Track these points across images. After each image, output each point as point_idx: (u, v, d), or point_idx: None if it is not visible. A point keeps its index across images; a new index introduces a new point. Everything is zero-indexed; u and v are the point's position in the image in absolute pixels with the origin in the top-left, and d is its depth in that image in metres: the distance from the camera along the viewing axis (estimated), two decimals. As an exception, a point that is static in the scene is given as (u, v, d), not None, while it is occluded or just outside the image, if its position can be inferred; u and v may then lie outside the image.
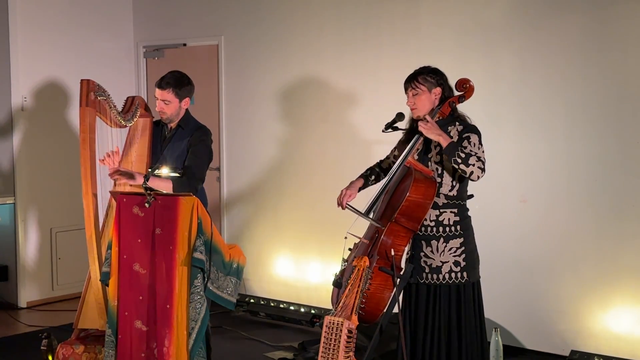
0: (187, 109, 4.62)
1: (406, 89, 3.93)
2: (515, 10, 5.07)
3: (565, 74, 4.91)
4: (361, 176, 4.24)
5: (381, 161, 4.27)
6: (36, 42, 6.50)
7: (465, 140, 3.79)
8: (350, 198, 4.11)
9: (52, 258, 6.60)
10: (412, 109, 3.93)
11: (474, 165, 3.71)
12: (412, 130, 3.97)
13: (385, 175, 4.25)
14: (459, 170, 3.76)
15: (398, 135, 4.14)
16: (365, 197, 4.19)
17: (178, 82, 4.51)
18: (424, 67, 3.94)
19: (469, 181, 3.88)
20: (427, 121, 3.78)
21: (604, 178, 4.80)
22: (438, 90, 3.88)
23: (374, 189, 4.16)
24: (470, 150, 3.76)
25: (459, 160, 3.71)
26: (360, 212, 3.93)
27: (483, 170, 3.74)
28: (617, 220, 4.76)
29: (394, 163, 4.17)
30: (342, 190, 4.14)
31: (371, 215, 3.97)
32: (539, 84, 5.01)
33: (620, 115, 4.73)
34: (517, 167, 5.11)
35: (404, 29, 5.54)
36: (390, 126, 4.03)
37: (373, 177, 4.24)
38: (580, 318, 4.90)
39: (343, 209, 4.10)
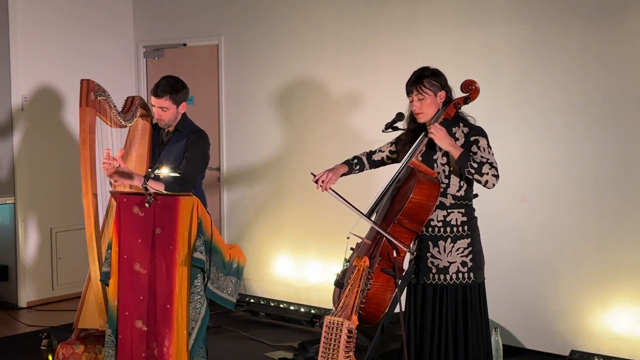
0: (184, 113, 4.63)
1: (409, 93, 3.87)
2: (515, 8, 5.07)
3: (566, 74, 4.91)
4: (346, 162, 4.15)
5: (372, 152, 4.19)
6: (36, 42, 6.50)
7: (474, 145, 3.76)
8: (332, 183, 4.00)
9: (52, 258, 6.60)
10: (417, 114, 3.88)
11: (487, 173, 3.69)
12: (413, 130, 3.95)
13: (372, 168, 4.22)
14: (474, 180, 3.75)
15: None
16: (366, 198, 4.18)
17: (174, 88, 4.53)
18: (425, 69, 3.88)
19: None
20: (439, 128, 3.73)
21: (604, 178, 4.80)
22: (443, 93, 3.84)
23: (375, 190, 4.15)
24: (482, 157, 3.73)
25: (473, 171, 3.69)
26: (342, 198, 3.90)
27: (497, 177, 3.72)
28: (617, 220, 4.76)
29: (389, 159, 4.14)
30: (325, 172, 4.02)
31: (373, 217, 3.96)
32: (540, 83, 5.00)
33: (621, 114, 4.73)
34: (517, 166, 5.11)
35: (404, 28, 5.54)
36: (390, 126, 4.01)
37: (358, 166, 4.16)
38: (580, 318, 4.90)
39: (324, 191, 4.00)
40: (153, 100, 4.53)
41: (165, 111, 4.52)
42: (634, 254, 4.70)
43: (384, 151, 4.16)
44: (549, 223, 5.00)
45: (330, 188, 3.99)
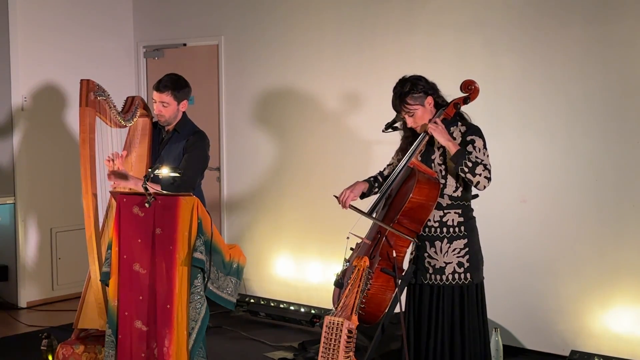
0: (184, 113, 4.63)
1: (398, 112, 3.87)
2: (515, 7, 5.07)
3: (566, 74, 4.91)
4: (367, 180, 4.12)
5: (382, 170, 4.19)
6: (36, 42, 6.50)
7: (470, 145, 3.77)
8: (353, 199, 4.03)
9: (52, 258, 6.60)
10: (414, 127, 3.88)
11: (480, 175, 3.70)
12: (412, 134, 3.95)
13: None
14: (465, 179, 3.75)
15: (398, 135, 4.13)
16: (367, 198, 4.18)
17: (176, 85, 4.54)
18: (403, 85, 3.82)
19: None
20: (438, 124, 3.73)
21: (604, 177, 4.80)
22: (430, 99, 3.83)
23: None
24: (477, 157, 3.73)
25: (466, 170, 3.69)
26: (364, 212, 3.90)
27: (489, 179, 3.73)
28: (618, 220, 4.76)
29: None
30: (344, 191, 4.02)
31: (373, 216, 3.96)
32: (540, 83, 5.00)
33: (622, 114, 4.73)
34: (517, 166, 5.11)
35: (403, 28, 5.54)
36: (390, 126, 4.02)
37: (377, 184, 4.13)
38: (580, 318, 4.90)
39: (345, 208, 4.01)
40: (155, 94, 4.54)
41: (165, 107, 4.53)
42: (634, 253, 4.70)
43: (391, 163, 4.14)
44: (549, 223, 5.00)
45: (350, 204, 3.95)
